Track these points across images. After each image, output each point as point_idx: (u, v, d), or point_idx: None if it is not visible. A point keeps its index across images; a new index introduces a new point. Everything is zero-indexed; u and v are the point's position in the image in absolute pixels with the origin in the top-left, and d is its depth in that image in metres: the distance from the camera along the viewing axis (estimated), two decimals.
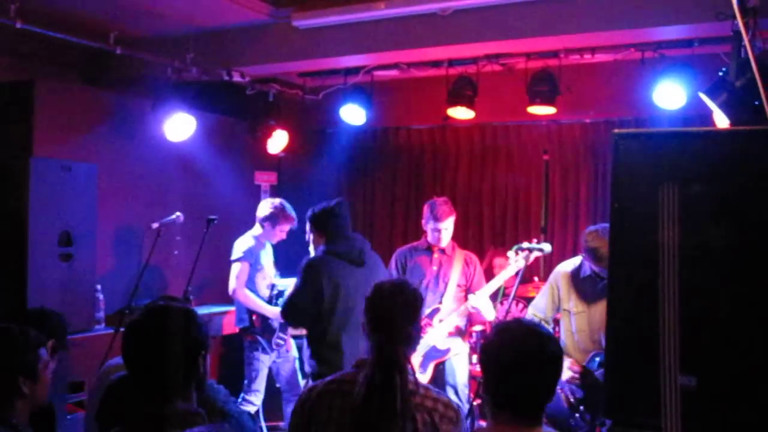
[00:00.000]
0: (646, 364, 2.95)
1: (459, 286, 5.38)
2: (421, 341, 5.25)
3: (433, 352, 5.32)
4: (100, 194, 5.50)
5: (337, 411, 2.64)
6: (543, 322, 4.67)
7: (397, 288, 2.83)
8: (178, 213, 5.68)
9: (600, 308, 4.52)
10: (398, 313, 2.72)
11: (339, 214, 4.82)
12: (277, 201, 5.96)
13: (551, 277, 4.85)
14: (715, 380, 2.93)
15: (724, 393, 2.91)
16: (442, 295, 5.37)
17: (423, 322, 5.26)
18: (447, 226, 5.34)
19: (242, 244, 5.85)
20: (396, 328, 2.69)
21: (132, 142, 6.29)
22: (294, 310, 4.75)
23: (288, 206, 5.95)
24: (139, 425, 2.21)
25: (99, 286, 5.63)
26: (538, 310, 4.80)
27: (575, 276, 4.69)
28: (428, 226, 5.37)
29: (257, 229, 5.92)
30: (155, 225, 5.58)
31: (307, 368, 4.87)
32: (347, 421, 2.59)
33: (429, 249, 5.44)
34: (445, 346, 5.32)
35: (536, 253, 4.96)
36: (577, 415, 4.52)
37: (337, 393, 2.68)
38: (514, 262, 5.06)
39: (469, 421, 5.16)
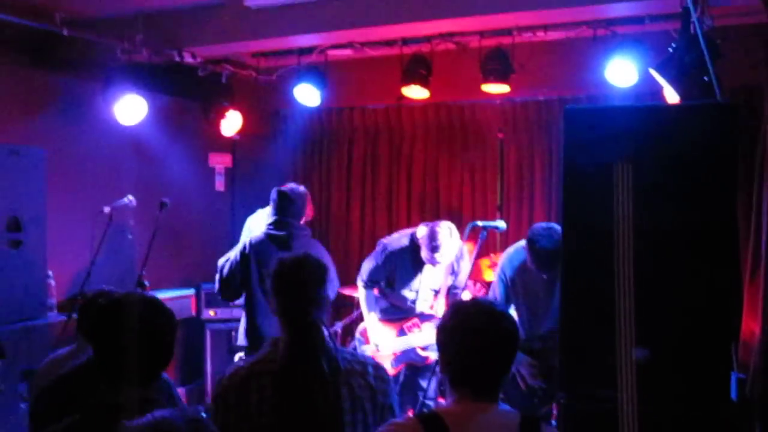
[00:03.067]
0: (601, 338, 2.99)
1: (446, 285, 5.34)
2: (403, 339, 5.25)
3: (411, 354, 5.29)
4: (50, 179, 5.39)
5: (268, 390, 2.60)
6: None
7: (301, 259, 2.82)
8: (130, 196, 5.59)
9: (551, 293, 4.54)
10: (304, 279, 2.73)
11: (277, 198, 5.00)
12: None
13: (499, 268, 4.86)
14: (668, 352, 2.98)
15: (677, 364, 2.97)
16: (432, 300, 5.34)
17: (411, 322, 5.26)
18: (446, 261, 5.13)
19: None
20: (303, 292, 2.69)
21: (81, 126, 6.17)
22: (225, 287, 5.01)
23: None
24: (103, 414, 2.17)
25: (50, 272, 5.53)
26: (495, 298, 4.81)
27: (523, 267, 4.69)
28: (426, 251, 5.02)
29: None
30: (107, 209, 5.49)
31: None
32: (276, 396, 2.58)
33: (422, 260, 5.19)
34: (425, 354, 5.29)
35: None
36: (534, 399, 4.56)
37: (264, 372, 2.64)
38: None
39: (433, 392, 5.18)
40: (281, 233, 4.94)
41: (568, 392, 3.13)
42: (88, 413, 2.21)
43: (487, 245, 5.66)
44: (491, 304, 2.45)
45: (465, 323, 2.33)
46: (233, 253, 5.04)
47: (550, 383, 4.48)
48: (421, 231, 5.09)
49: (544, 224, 4.57)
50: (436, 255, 4.98)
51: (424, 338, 5.27)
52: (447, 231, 5.02)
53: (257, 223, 6.05)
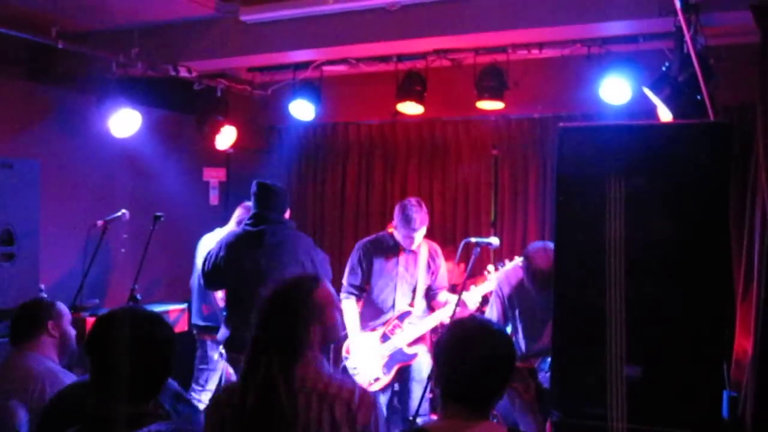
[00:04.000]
0: (593, 355, 2.99)
1: (425, 284, 5.36)
2: (388, 342, 5.25)
3: (398, 355, 5.29)
4: (43, 191, 5.37)
5: (228, 424, 2.57)
6: None
7: (285, 290, 2.72)
8: (123, 210, 5.59)
9: (548, 313, 4.53)
10: (277, 318, 2.64)
11: (257, 190, 5.02)
12: None
13: (496, 285, 4.86)
14: (659, 370, 2.97)
15: (668, 383, 2.96)
16: (411, 298, 5.34)
17: (393, 324, 5.26)
18: (421, 233, 5.23)
19: None
20: (274, 334, 2.61)
21: (76, 139, 6.16)
22: (207, 278, 5.07)
23: None
24: (103, 427, 2.16)
25: (42, 285, 5.49)
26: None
27: (519, 286, 4.69)
28: (400, 232, 5.22)
29: None
30: (100, 222, 5.48)
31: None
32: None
33: (395, 247, 5.33)
34: (413, 351, 5.30)
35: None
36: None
37: (228, 404, 2.60)
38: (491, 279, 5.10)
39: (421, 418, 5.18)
40: (254, 229, 4.90)
41: (561, 410, 3.12)
42: (81, 427, 2.20)
43: (481, 262, 5.66)
44: (489, 323, 2.46)
45: (462, 339, 2.35)
46: (213, 248, 5.07)
47: (542, 402, 4.47)
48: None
49: (540, 243, 4.59)
50: (411, 225, 5.09)
51: (407, 336, 5.28)
52: (416, 201, 5.19)
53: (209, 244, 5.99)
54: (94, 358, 2.31)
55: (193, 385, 6.04)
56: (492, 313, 4.79)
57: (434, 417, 5.07)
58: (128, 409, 2.18)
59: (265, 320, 2.65)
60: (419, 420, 4.99)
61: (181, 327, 6.82)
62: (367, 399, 2.58)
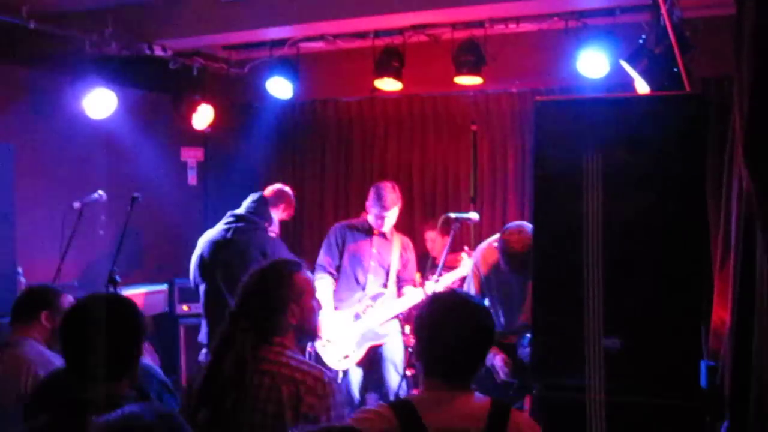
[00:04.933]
0: (572, 329, 3.00)
1: (397, 271, 5.44)
2: (360, 321, 5.28)
3: (370, 334, 5.34)
4: (18, 174, 5.31)
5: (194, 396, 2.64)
6: None
7: (268, 270, 2.79)
8: (100, 191, 5.54)
9: (525, 288, 4.54)
10: (257, 296, 2.71)
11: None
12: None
13: (473, 263, 4.86)
14: (638, 342, 3.00)
15: (647, 354, 2.99)
16: (384, 279, 5.40)
17: (366, 305, 5.29)
18: (392, 215, 5.37)
19: None
20: (252, 312, 2.67)
21: (50, 120, 6.10)
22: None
23: None
24: (74, 410, 2.17)
25: (20, 269, 5.46)
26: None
27: (497, 261, 4.69)
28: (372, 211, 5.38)
29: None
30: (77, 204, 5.43)
31: None
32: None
33: (369, 231, 5.45)
34: (384, 331, 5.35)
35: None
36: (510, 392, 4.57)
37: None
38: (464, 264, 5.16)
39: (404, 390, 5.21)
40: (225, 227, 5.28)
41: (541, 382, 3.15)
42: (56, 411, 2.20)
43: (460, 239, 5.67)
44: (468, 296, 2.49)
45: (441, 312, 2.38)
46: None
47: (523, 377, 4.49)
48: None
49: (516, 224, 4.55)
50: (382, 203, 5.27)
51: (378, 315, 5.35)
52: (390, 184, 5.40)
53: None
54: (65, 343, 2.35)
55: None
56: (469, 289, 4.80)
57: (415, 392, 5.10)
58: (100, 391, 2.19)
59: (245, 297, 2.70)
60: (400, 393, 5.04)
61: (160, 308, 6.81)
62: (320, 385, 2.56)
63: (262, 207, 5.31)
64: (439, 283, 5.10)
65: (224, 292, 4.99)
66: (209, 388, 2.56)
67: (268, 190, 5.65)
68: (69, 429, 2.14)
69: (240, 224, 5.22)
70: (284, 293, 2.70)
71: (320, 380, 2.59)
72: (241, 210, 5.33)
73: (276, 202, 5.57)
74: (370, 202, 5.38)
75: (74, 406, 2.19)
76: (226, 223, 5.28)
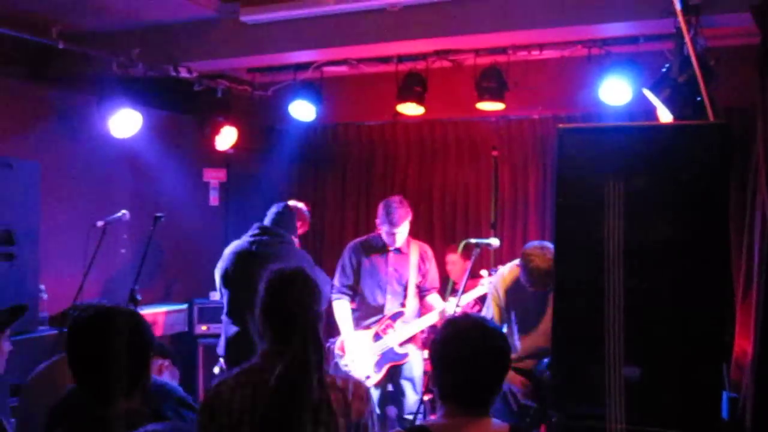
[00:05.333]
0: (592, 357, 2.99)
1: (416, 285, 5.42)
2: (380, 342, 5.28)
3: (390, 354, 5.33)
4: (44, 192, 5.38)
5: (247, 402, 2.57)
6: None
7: (294, 278, 2.75)
8: (124, 211, 5.58)
9: (542, 311, 4.54)
10: (304, 308, 2.65)
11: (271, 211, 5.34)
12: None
13: (491, 288, 4.87)
14: (659, 371, 2.97)
15: (668, 383, 2.96)
16: (402, 297, 5.38)
17: (385, 324, 5.28)
18: (402, 230, 5.36)
19: None
20: (302, 325, 2.62)
21: (76, 139, 6.17)
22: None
23: None
24: (84, 427, 2.17)
25: (42, 286, 5.50)
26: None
27: (515, 286, 4.70)
28: (382, 228, 5.37)
29: None
30: (100, 223, 5.47)
31: None
32: (258, 412, 2.55)
33: (384, 248, 5.45)
34: (404, 351, 5.34)
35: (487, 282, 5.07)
36: (527, 419, 4.54)
37: (247, 384, 2.61)
38: (485, 284, 5.16)
39: (421, 417, 5.19)
40: (251, 239, 5.21)
41: (560, 410, 3.13)
42: (70, 428, 2.21)
43: (479, 264, 5.66)
44: (483, 320, 2.47)
45: (456, 337, 2.37)
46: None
47: (541, 403, 4.46)
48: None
49: (537, 242, 4.60)
50: (391, 220, 5.25)
51: (399, 336, 5.36)
52: (398, 199, 5.41)
53: None
54: (71, 360, 2.32)
55: None
56: (488, 313, 4.80)
57: (433, 418, 5.08)
58: (112, 407, 2.18)
59: (294, 297, 2.65)
60: (417, 418, 5.01)
61: (180, 328, 6.84)
62: (363, 390, 2.60)
63: (286, 217, 5.27)
64: (460, 307, 5.09)
65: (245, 305, 4.98)
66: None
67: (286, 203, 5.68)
68: None
69: (264, 237, 5.17)
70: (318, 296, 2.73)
71: (361, 385, 2.62)
72: (266, 221, 5.28)
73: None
74: (380, 219, 5.38)
75: (87, 423, 2.19)
76: (251, 236, 5.23)
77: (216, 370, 5.73)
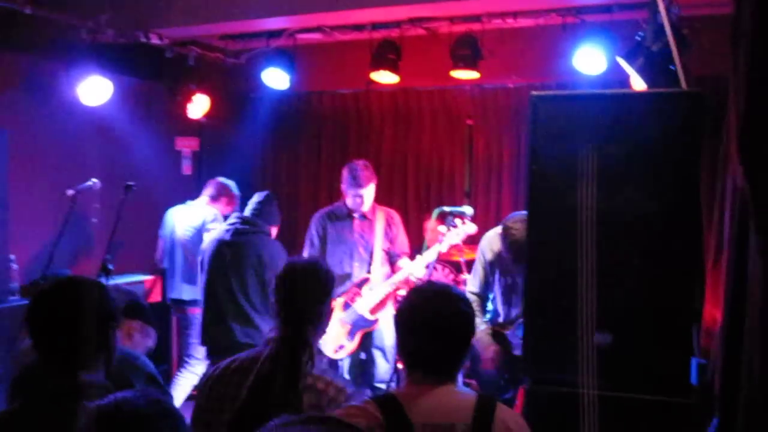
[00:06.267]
0: (564, 323, 3.01)
1: (383, 251, 5.40)
2: (350, 310, 5.28)
3: (361, 322, 5.33)
4: (12, 161, 5.30)
5: (232, 389, 2.63)
6: (477, 299, 4.77)
7: (309, 268, 2.82)
8: (94, 179, 5.53)
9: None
10: (308, 293, 2.73)
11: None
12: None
13: (478, 253, 4.88)
14: (630, 337, 3.00)
15: (638, 349, 2.99)
16: (369, 264, 5.38)
17: (352, 292, 5.29)
18: (368, 192, 5.32)
19: None
20: (304, 307, 2.70)
21: (45, 107, 6.07)
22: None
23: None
24: (46, 399, 2.15)
25: (13, 256, 5.45)
26: (472, 287, 4.85)
27: (499, 253, 4.72)
28: (348, 192, 5.33)
29: None
30: (70, 192, 5.42)
31: None
32: (247, 396, 2.58)
33: (349, 215, 5.41)
34: (374, 317, 5.34)
35: (462, 234, 5.09)
36: (501, 381, 4.60)
37: (241, 370, 2.66)
38: (449, 236, 5.11)
39: (394, 385, 5.22)
40: (230, 228, 5.11)
41: (532, 376, 3.15)
42: (28, 399, 2.18)
43: None
44: (447, 286, 2.48)
45: (419, 304, 2.37)
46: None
47: (513, 370, 4.51)
48: None
49: (519, 214, 4.58)
50: (357, 182, 5.23)
51: (367, 302, 5.34)
52: (362, 163, 5.37)
53: (182, 217, 6.19)
54: (31, 331, 2.29)
55: (187, 359, 6.06)
56: (475, 278, 4.83)
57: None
58: (70, 380, 2.16)
59: (298, 295, 2.71)
60: (391, 386, 5.05)
61: (154, 298, 6.80)
62: (341, 397, 2.60)
63: (266, 207, 5.16)
64: (422, 258, 5.12)
65: (217, 291, 4.95)
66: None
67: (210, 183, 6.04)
68: (40, 417, 2.12)
69: (240, 227, 5.07)
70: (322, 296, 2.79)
71: (342, 392, 2.61)
72: (246, 210, 5.20)
73: (217, 197, 5.99)
74: (345, 183, 5.33)
75: (46, 395, 2.17)
76: (229, 224, 5.14)
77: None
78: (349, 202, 5.37)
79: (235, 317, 4.85)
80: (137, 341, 3.49)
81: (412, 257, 5.45)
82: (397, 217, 5.59)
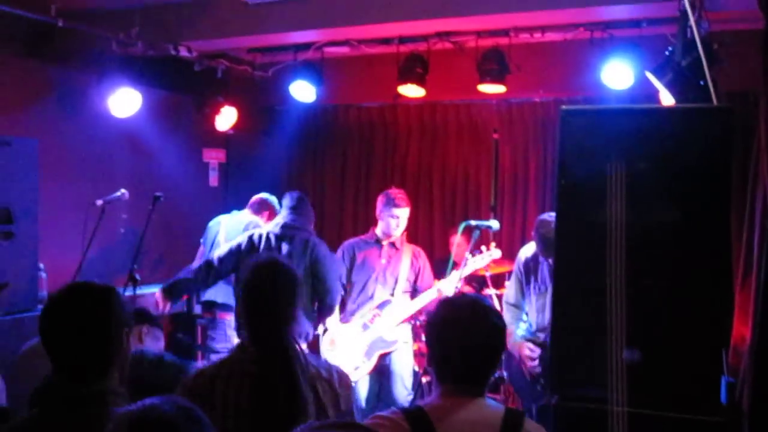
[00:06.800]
0: (592, 339, 2.99)
1: (408, 280, 5.41)
2: (368, 331, 5.28)
3: (379, 343, 5.33)
4: (42, 170, 5.35)
5: (232, 395, 2.57)
6: (514, 309, 4.80)
7: (274, 268, 2.73)
8: (123, 190, 5.56)
9: None
10: (280, 295, 2.66)
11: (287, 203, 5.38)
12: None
13: (515, 265, 4.90)
14: (659, 355, 2.98)
15: (667, 367, 2.97)
16: (392, 289, 5.38)
17: (372, 313, 5.28)
18: (404, 215, 5.37)
19: None
20: (280, 310, 2.65)
21: (75, 118, 6.14)
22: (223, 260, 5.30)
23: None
24: (64, 406, 2.15)
25: (42, 265, 5.49)
26: (509, 298, 4.88)
27: (534, 259, 4.74)
28: (384, 214, 5.36)
29: None
30: (99, 202, 5.45)
31: None
32: (247, 404, 2.55)
33: (378, 242, 5.44)
34: (393, 338, 5.33)
35: (487, 259, 5.14)
36: (538, 387, 4.59)
37: (226, 377, 2.60)
38: (473, 262, 5.16)
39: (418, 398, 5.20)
40: (279, 232, 5.19)
41: (560, 392, 3.13)
42: (45, 406, 2.18)
43: (480, 246, 5.66)
44: (477, 298, 2.48)
45: (450, 316, 2.36)
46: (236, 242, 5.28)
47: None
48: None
49: (552, 213, 4.63)
50: (394, 202, 5.30)
51: (386, 323, 5.33)
52: (395, 189, 5.44)
53: (227, 223, 6.19)
54: (44, 339, 2.26)
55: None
56: (511, 289, 4.84)
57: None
58: (86, 387, 2.16)
59: (272, 297, 2.66)
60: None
61: (179, 308, 6.83)
62: (345, 377, 2.65)
63: (304, 208, 5.32)
64: (449, 280, 5.09)
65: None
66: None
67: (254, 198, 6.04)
68: (56, 425, 2.11)
69: (292, 222, 5.20)
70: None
71: (344, 373, 2.67)
72: (284, 218, 5.28)
73: (260, 210, 5.99)
74: (381, 206, 5.39)
75: (62, 404, 2.16)
76: (276, 223, 5.25)
77: (234, 338, 5.68)
78: (383, 225, 5.40)
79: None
80: (148, 344, 3.49)
81: (437, 277, 5.45)
82: (423, 254, 5.60)
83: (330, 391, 2.56)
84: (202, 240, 6.33)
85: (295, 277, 2.74)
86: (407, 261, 5.42)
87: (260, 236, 5.19)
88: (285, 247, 5.08)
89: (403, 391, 5.37)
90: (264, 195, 6.27)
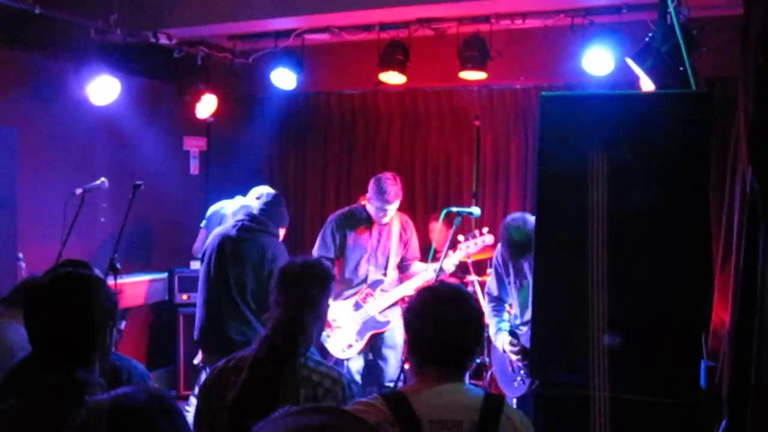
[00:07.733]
0: (573, 324, 3.00)
1: (397, 255, 5.42)
2: (361, 311, 5.29)
3: (371, 323, 5.34)
4: (21, 159, 5.31)
5: (231, 388, 2.62)
6: (497, 301, 4.82)
7: (310, 261, 2.90)
8: (102, 178, 5.53)
9: None
10: (307, 280, 2.76)
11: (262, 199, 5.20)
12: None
13: (493, 258, 4.90)
14: (639, 340, 2.99)
15: (648, 351, 2.98)
16: (384, 268, 5.38)
17: (365, 293, 5.29)
18: (394, 208, 5.33)
19: None
20: (303, 291, 2.72)
21: (54, 106, 6.08)
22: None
23: None
24: (44, 394, 2.13)
25: (21, 254, 5.45)
26: (491, 291, 4.89)
27: None
28: (374, 203, 5.29)
29: None
30: (79, 191, 5.42)
31: None
32: (232, 400, 2.59)
33: (369, 220, 5.40)
34: (385, 319, 5.35)
35: (480, 244, 5.12)
36: (519, 378, 4.61)
37: (237, 369, 2.66)
38: (465, 246, 5.15)
39: (401, 384, 5.22)
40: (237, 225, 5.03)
41: (541, 378, 3.15)
42: (24, 396, 2.16)
43: (462, 231, 5.67)
44: (456, 286, 2.52)
45: (430, 303, 2.38)
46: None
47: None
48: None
49: (519, 214, 4.61)
50: (385, 197, 5.17)
51: (379, 304, 5.35)
52: (391, 176, 5.29)
53: (231, 207, 6.08)
54: (28, 326, 2.25)
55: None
56: (492, 281, 4.85)
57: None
58: (66, 376, 2.14)
59: (297, 280, 2.75)
60: (398, 385, 5.04)
61: (160, 297, 6.81)
62: (337, 387, 2.62)
63: (275, 209, 5.05)
64: (447, 262, 5.10)
65: (218, 288, 4.89)
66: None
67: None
68: (38, 414, 2.10)
69: (251, 224, 4.96)
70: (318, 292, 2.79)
71: (339, 383, 2.63)
72: (254, 210, 5.13)
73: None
74: (372, 194, 5.29)
75: (40, 392, 2.14)
76: (237, 221, 5.06)
77: (196, 360, 5.63)
78: (372, 211, 5.34)
79: (231, 315, 4.80)
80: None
81: (421, 259, 5.46)
82: (411, 223, 5.60)
83: (312, 398, 2.55)
84: (202, 225, 6.26)
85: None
86: (396, 235, 5.40)
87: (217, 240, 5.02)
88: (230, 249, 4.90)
89: (395, 363, 5.40)
90: (266, 187, 6.08)
